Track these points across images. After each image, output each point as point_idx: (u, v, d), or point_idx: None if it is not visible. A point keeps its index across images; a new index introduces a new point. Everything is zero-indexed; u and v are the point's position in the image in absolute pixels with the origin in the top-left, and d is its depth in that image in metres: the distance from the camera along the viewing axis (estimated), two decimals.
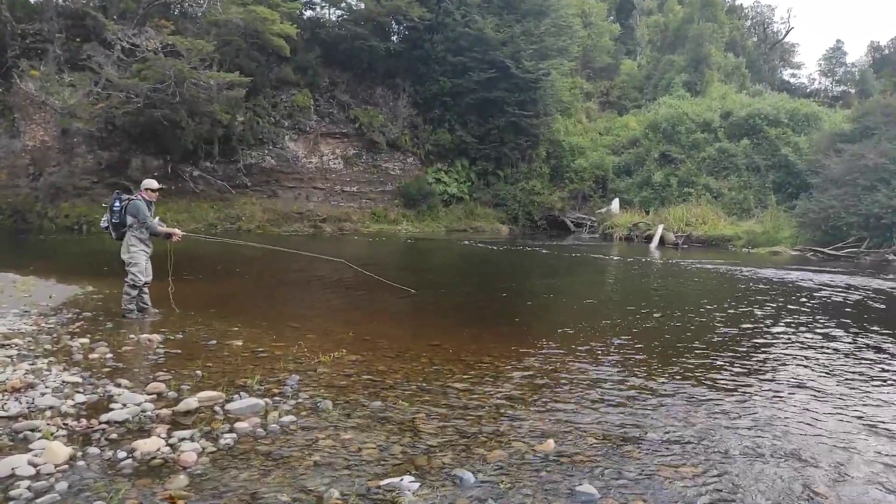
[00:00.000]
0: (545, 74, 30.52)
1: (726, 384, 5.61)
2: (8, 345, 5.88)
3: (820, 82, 52.70)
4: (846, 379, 5.92)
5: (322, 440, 3.95)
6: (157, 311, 7.78)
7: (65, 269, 11.75)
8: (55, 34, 23.64)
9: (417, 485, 3.36)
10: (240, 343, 6.43)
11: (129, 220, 7.49)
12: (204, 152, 25.52)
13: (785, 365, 6.45)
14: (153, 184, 7.84)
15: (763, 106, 29.27)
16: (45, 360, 5.41)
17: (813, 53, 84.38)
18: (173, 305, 7.87)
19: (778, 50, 51.59)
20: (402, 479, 3.40)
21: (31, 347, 5.89)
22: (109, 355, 5.73)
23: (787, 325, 8.58)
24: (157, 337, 6.49)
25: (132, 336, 6.53)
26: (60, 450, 3.46)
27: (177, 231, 7.91)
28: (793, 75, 53.37)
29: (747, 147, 27.92)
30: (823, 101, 39.60)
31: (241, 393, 4.75)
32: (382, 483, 3.37)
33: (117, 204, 7.51)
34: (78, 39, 24.16)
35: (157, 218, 7.90)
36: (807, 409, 4.98)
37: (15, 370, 5.03)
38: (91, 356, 5.66)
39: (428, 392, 5.07)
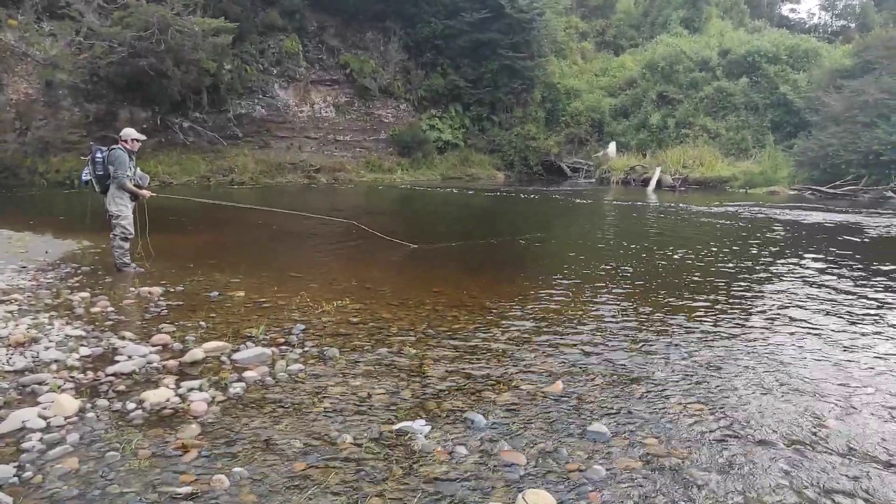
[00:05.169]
0: (539, 14, 29.72)
1: (731, 321, 5.63)
2: (8, 300, 5.82)
3: (820, 17, 51.32)
4: (852, 313, 5.94)
5: (331, 387, 3.95)
6: (135, 265, 7.65)
7: (59, 225, 11.60)
8: None
9: (429, 428, 3.37)
10: (242, 294, 6.38)
11: (112, 170, 7.30)
12: (192, 103, 24.88)
13: (790, 301, 6.46)
14: (134, 133, 7.61)
15: (762, 43, 28.62)
16: (47, 315, 5.35)
17: None
18: (147, 264, 7.74)
19: None
20: (413, 423, 3.41)
21: (32, 303, 5.83)
22: (111, 309, 5.68)
23: (789, 262, 8.60)
24: (157, 290, 6.43)
25: (132, 289, 6.47)
26: (69, 402, 3.44)
27: (145, 193, 7.71)
28: (792, 10, 51.94)
29: (746, 86, 27.44)
30: (823, 36, 38.69)
31: (248, 343, 4.73)
32: (395, 427, 3.38)
33: (99, 155, 7.31)
34: None
35: (138, 169, 7.70)
36: (813, 344, 5.01)
37: (17, 325, 4.98)
38: (93, 310, 5.61)
39: (433, 338, 5.06)
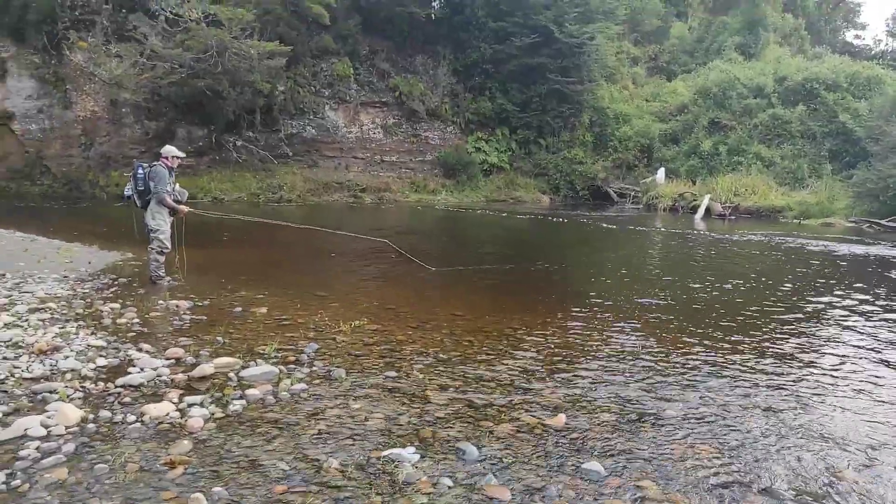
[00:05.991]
0: (590, 39, 29.58)
1: (757, 361, 5.38)
2: (43, 308, 6.08)
3: (886, 43, 49.43)
4: (889, 360, 5.60)
5: (330, 409, 3.94)
6: (169, 278, 7.89)
7: (109, 237, 12.08)
8: (102, 5, 24.08)
9: (418, 457, 3.32)
10: (264, 310, 6.48)
11: (152, 185, 7.59)
12: (246, 122, 25.78)
13: (822, 343, 6.15)
14: (175, 150, 7.90)
15: (821, 70, 27.74)
16: (75, 324, 5.56)
17: (880, 12, 79.24)
18: (181, 276, 7.97)
19: (841, 10, 48.63)
20: (403, 451, 3.36)
21: (64, 311, 6.07)
22: (136, 320, 5.86)
23: (829, 300, 8.19)
24: (185, 303, 6.60)
25: (161, 302, 6.67)
26: (72, 412, 3.54)
27: (183, 209, 7.96)
28: (856, 36, 50.31)
29: (803, 113, 26.58)
30: (889, 62, 37.24)
31: (258, 360, 4.79)
32: (384, 454, 3.34)
33: (140, 171, 7.63)
34: (124, 10, 24.53)
35: (177, 185, 7.98)
36: (841, 390, 4.73)
37: (45, 333, 5.18)
38: (119, 321, 5.79)
39: (444, 363, 5.01)
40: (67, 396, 3.86)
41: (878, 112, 23.76)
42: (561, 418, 3.95)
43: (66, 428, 3.41)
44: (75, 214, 17.54)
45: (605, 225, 19.31)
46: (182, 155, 8.10)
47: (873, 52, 45.60)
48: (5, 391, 3.93)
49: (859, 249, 13.88)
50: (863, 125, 24.62)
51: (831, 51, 37.89)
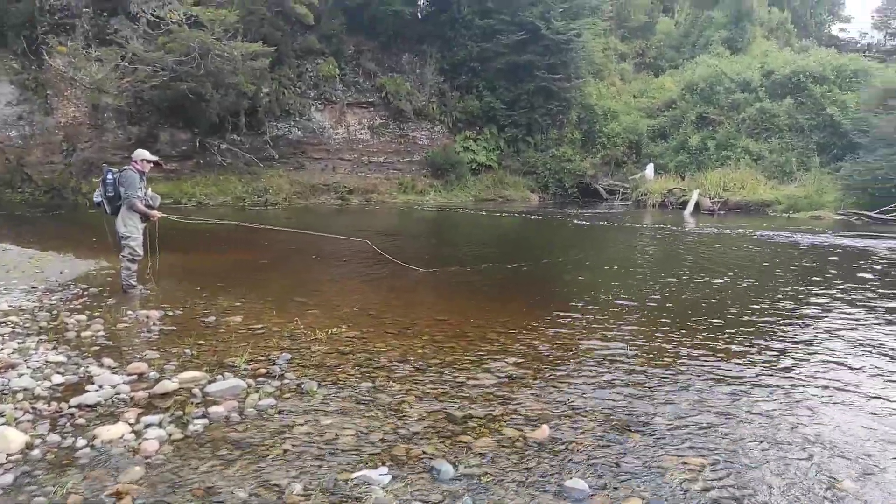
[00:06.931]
0: (577, 35, 29.39)
1: (751, 365, 5.16)
2: (4, 322, 5.79)
3: (872, 36, 49.53)
4: (888, 360, 5.41)
5: (298, 426, 3.70)
6: (142, 287, 7.61)
7: (85, 245, 11.72)
8: (82, 9, 23.72)
9: (389, 478, 3.08)
10: (238, 319, 6.22)
11: (122, 191, 7.32)
12: (230, 125, 25.41)
13: (818, 343, 5.94)
14: (146, 154, 7.63)
15: (808, 63, 27.65)
16: (36, 339, 5.28)
17: (863, 5, 79.44)
18: (154, 282, 7.70)
19: (826, 3, 48.65)
20: (373, 473, 3.13)
21: (27, 325, 5.79)
22: (102, 333, 5.58)
23: (824, 296, 8.01)
24: (155, 313, 6.33)
25: (131, 312, 6.39)
26: (16, 437, 3.28)
27: (156, 213, 7.67)
28: (842, 30, 50.31)
29: (790, 107, 26.48)
30: (875, 55, 37.23)
31: (226, 373, 4.53)
32: (353, 476, 3.10)
33: (110, 176, 7.36)
34: (104, 14, 24.16)
35: (149, 190, 7.71)
36: (840, 394, 4.51)
37: (2, 349, 4.91)
38: (84, 334, 5.52)
39: (423, 371, 4.77)
40: (14, 419, 3.59)
41: (865, 104, 23.70)
42: (544, 430, 3.73)
43: (8, 456, 3.15)
44: (53, 222, 17.16)
45: (588, 223, 19.11)
46: (153, 159, 7.82)
47: (858, 45, 45.69)
48: None
49: (848, 242, 13.74)
50: (850, 117, 24.56)
51: (818, 44, 37.91)
